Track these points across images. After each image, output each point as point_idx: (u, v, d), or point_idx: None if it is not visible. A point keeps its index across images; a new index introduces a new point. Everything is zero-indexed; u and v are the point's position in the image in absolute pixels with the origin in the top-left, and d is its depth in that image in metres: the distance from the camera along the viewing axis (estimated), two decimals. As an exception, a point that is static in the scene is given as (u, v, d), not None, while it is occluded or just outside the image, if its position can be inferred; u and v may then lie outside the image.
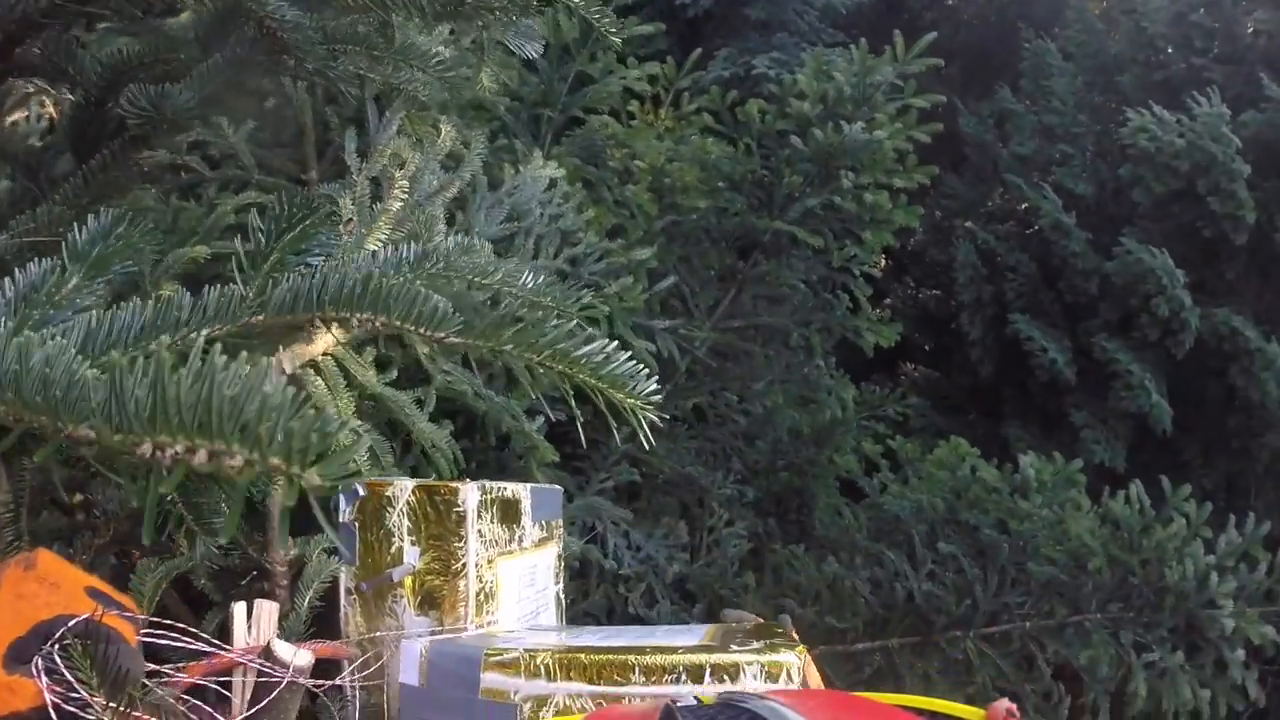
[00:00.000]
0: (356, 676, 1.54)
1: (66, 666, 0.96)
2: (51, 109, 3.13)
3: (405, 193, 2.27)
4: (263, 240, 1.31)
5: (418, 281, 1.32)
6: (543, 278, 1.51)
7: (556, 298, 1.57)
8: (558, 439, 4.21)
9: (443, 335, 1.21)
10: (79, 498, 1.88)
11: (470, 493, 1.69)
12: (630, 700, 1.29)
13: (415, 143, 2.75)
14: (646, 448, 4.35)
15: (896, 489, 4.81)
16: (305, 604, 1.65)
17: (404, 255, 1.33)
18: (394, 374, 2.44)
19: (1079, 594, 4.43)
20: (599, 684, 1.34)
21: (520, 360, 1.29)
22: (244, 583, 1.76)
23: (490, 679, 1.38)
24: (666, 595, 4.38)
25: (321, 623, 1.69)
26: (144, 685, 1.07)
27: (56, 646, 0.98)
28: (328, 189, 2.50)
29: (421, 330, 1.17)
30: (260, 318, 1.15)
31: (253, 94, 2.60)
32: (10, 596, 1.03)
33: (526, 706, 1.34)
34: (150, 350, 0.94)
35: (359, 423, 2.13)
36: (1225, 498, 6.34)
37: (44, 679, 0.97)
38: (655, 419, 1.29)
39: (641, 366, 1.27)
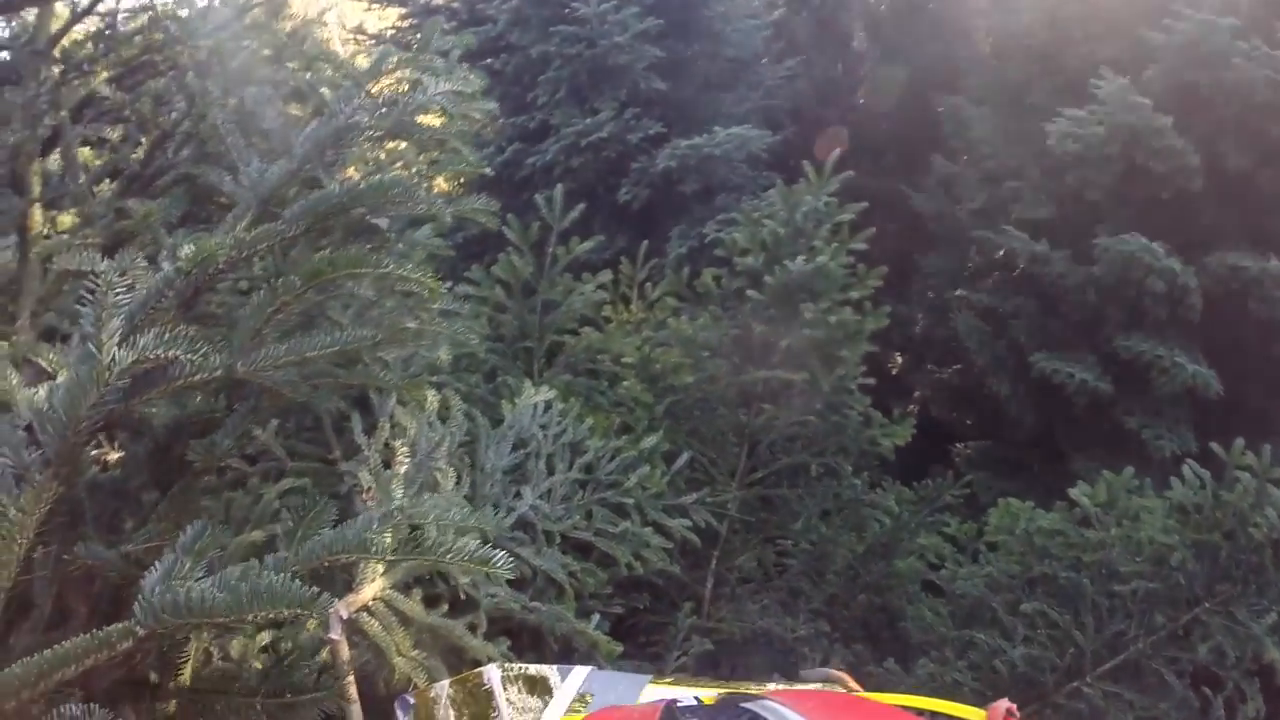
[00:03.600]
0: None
1: None
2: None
3: (408, 456, 2.92)
4: (292, 524, 1.99)
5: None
6: (465, 509, 2.17)
7: (477, 518, 2.25)
8: (628, 631, 4.70)
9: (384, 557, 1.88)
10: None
11: (492, 672, 2.18)
12: None
13: (414, 409, 3.41)
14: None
15: (966, 571, 5.13)
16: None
17: (370, 520, 1.96)
18: (445, 606, 3.01)
19: (1177, 594, 4.56)
20: None
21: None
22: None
23: None
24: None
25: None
26: None
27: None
28: (348, 466, 3.14)
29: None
30: (296, 567, 1.80)
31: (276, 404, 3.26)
32: None
33: None
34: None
35: (417, 652, 2.69)
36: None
37: None
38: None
39: (495, 551, 1.90)
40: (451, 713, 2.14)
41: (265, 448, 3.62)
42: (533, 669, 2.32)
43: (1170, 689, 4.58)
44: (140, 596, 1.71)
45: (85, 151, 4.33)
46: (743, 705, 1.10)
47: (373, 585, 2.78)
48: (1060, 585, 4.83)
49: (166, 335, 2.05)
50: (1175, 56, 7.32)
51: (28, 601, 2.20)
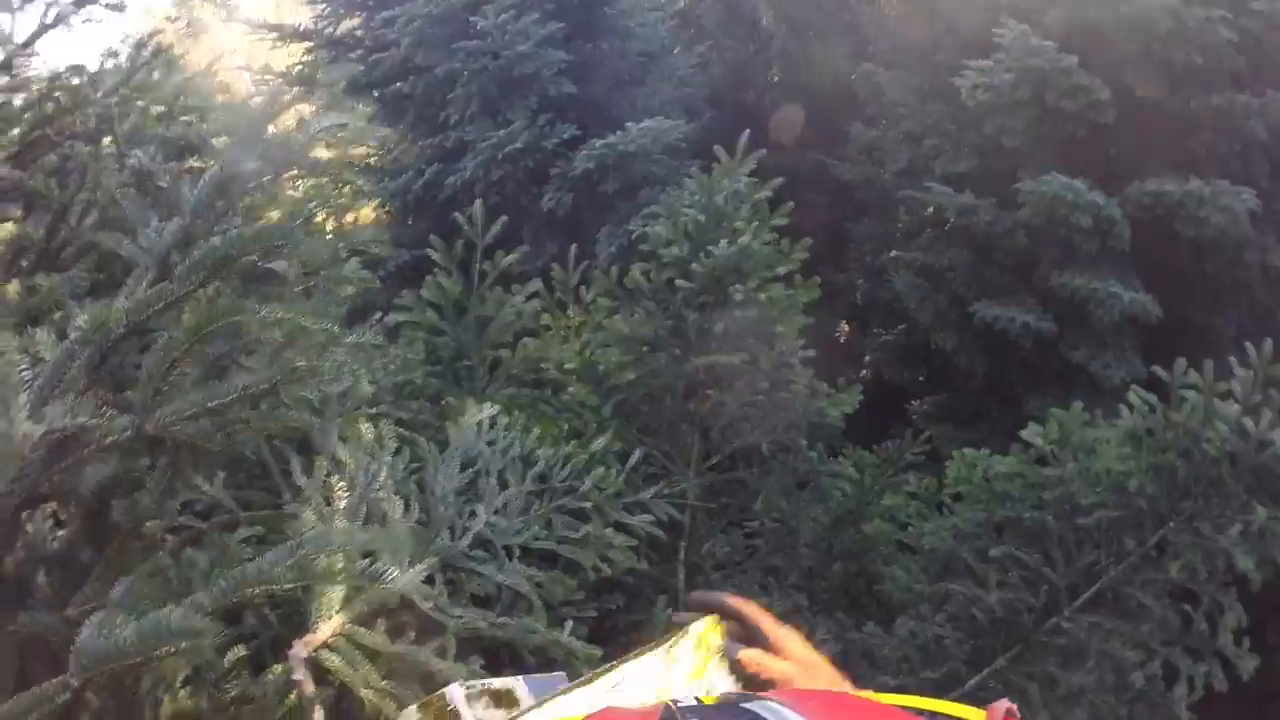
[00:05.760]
0: None
1: None
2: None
3: (347, 491, 2.93)
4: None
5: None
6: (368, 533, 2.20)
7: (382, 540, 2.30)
8: (608, 633, 4.70)
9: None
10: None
11: (455, 690, 2.18)
12: None
13: (351, 443, 3.40)
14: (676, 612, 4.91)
15: (933, 525, 5.20)
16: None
17: (280, 554, 1.97)
18: (412, 633, 3.00)
19: (1141, 518, 4.63)
20: None
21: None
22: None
23: None
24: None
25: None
26: None
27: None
28: (291, 508, 3.12)
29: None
30: (211, 606, 1.83)
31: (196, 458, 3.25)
32: None
33: None
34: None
35: (386, 682, 2.69)
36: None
37: None
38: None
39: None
40: None
41: (216, 500, 3.60)
42: (497, 682, 2.28)
43: (1149, 611, 4.65)
44: (71, 655, 1.73)
45: (-2, 229, 4.28)
46: (743, 705, 1.07)
47: (330, 622, 2.78)
48: (1025, 526, 4.90)
49: (73, 404, 2.06)
50: (1073, -2, 7.48)
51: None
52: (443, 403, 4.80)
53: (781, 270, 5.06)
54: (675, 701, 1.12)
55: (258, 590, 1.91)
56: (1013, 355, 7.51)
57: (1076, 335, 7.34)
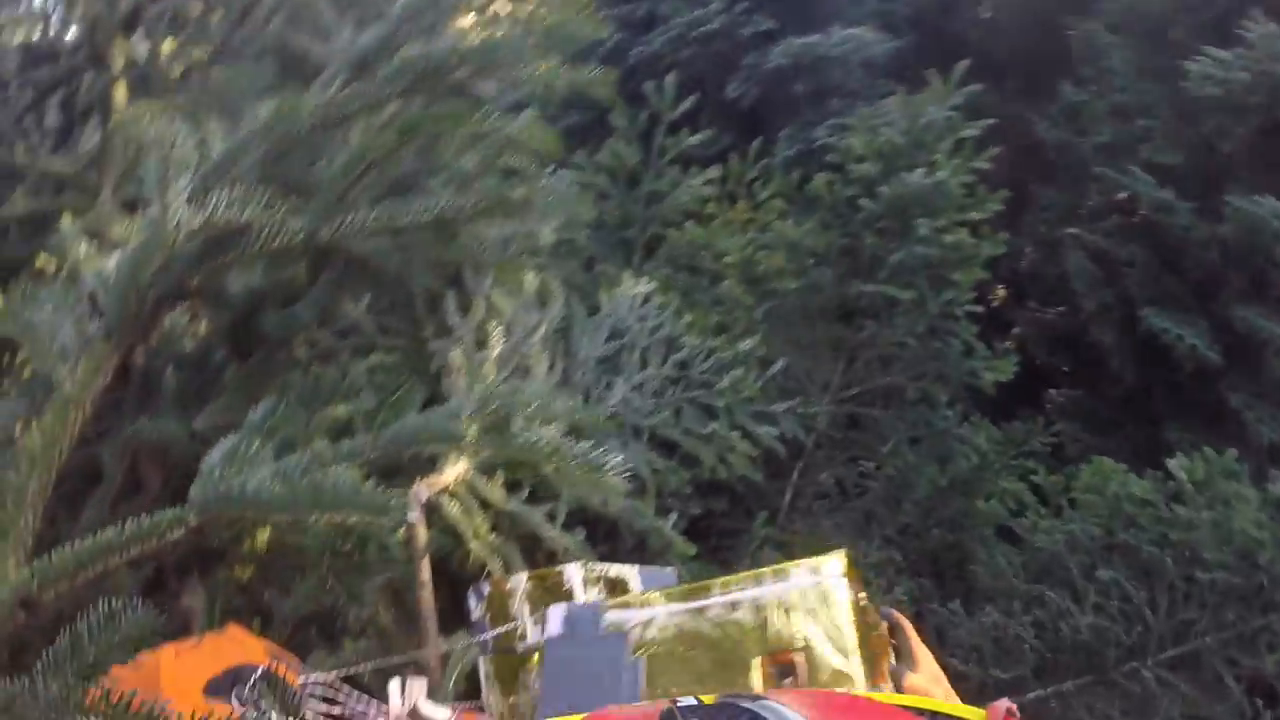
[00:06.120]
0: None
1: (254, 698, 1.40)
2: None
3: (503, 338, 2.78)
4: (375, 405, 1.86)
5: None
6: (571, 402, 2.00)
7: (583, 414, 2.07)
8: (701, 533, 4.58)
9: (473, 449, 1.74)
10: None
11: (573, 570, 2.05)
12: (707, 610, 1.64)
13: (511, 290, 3.25)
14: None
15: (1048, 524, 4.89)
16: (450, 683, 2.07)
17: (460, 406, 1.80)
18: (525, 493, 2.89)
19: (1257, 595, 4.32)
20: (688, 601, 1.69)
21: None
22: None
23: (609, 617, 1.75)
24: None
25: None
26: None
27: (249, 683, 1.43)
28: (439, 345, 2.99)
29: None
30: (374, 455, 1.66)
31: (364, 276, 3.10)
32: (210, 649, 1.54)
33: (635, 631, 1.71)
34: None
35: (494, 537, 2.59)
36: None
37: (238, 705, 1.42)
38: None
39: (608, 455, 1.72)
40: (527, 607, 2.00)
41: (355, 322, 3.50)
42: (614, 569, 2.16)
43: (1227, 691, 4.38)
44: (196, 483, 1.56)
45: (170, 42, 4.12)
46: (743, 705, 1.06)
47: (455, 467, 2.65)
48: (1141, 558, 4.58)
49: (240, 197, 1.88)
50: (1337, 10, 6.69)
51: (96, 473, 2.09)
52: (597, 269, 4.63)
53: (972, 216, 4.71)
54: (675, 701, 1.12)
55: (424, 449, 1.75)
56: (1168, 375, 6.94)
57: (1240, 377, 6.71)
